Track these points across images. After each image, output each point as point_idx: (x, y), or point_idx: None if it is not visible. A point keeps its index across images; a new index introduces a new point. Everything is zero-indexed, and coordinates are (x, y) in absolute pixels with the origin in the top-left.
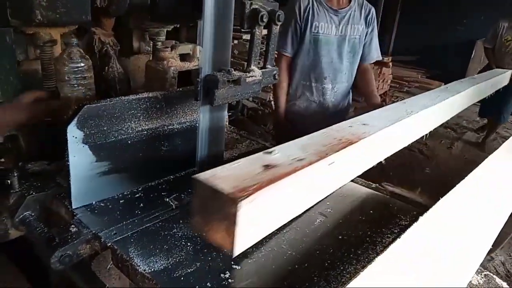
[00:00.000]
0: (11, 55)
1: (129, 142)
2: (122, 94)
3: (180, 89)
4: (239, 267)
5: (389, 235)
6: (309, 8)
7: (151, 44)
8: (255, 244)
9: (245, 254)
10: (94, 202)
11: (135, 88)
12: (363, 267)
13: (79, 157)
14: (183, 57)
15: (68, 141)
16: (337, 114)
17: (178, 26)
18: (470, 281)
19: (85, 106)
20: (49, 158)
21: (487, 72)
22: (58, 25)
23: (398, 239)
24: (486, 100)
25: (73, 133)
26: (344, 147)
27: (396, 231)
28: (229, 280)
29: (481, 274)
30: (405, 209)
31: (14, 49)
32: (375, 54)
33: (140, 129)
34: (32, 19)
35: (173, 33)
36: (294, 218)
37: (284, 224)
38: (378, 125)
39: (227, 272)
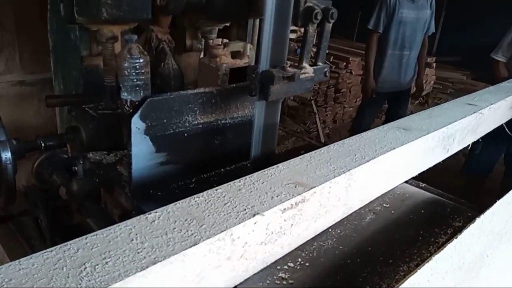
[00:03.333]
0: (75, 51)
1: (185, 134)
2: (176, 90)
3: (234, 85)
4: (291, 261)
5: (442, 236)
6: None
7: (203, 42)
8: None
9: (298, 247)
10: (151, 191)
11: (187, 84)
12: (417, 265)
13: (141, 148)
14: (234, 55)
15: (131, 132)
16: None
17: (228, 24)
18: None
19: (148, 99)
20: (108, 149)
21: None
22: (121, 22)
23: (454, 239)
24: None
25: (137, 124)
26: None
27: (449, 231)
28: (282, 275)
29: None
30: (458, 210)
31: (78, 46)
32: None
33: (196, 122)
34: (99, 16)
35: (223, 31)
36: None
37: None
38: None
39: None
